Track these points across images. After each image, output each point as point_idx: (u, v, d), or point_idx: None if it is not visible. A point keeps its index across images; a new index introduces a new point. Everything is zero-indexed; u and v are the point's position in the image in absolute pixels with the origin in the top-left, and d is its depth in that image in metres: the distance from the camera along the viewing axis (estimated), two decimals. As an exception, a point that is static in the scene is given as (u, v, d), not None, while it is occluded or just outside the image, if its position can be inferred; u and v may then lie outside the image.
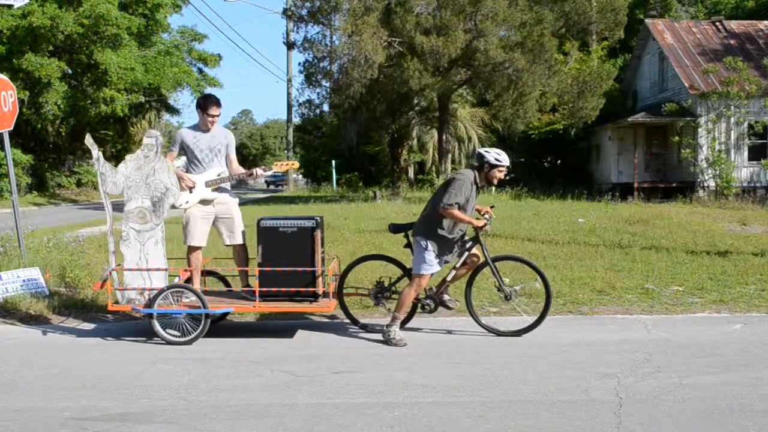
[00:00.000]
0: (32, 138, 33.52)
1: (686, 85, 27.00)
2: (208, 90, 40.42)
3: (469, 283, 6.75)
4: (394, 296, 6.81)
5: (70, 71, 31.46)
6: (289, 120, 46.98)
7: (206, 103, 6.87)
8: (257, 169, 7.08)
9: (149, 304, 6.44)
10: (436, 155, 31.05)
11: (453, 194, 6.38)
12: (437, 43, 22.53)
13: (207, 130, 6.93)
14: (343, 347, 6.25)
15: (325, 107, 30.84)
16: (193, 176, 6.82)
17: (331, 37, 27.39)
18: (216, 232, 7.05)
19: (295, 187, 48.72)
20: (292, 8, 28.37)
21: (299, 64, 41.31)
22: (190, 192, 6.78)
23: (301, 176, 55.90)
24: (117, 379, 5.30)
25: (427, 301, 6.65)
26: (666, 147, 28.92)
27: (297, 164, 7.49)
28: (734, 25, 31.16)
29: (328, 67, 26.77)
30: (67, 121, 33.12)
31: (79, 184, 36.50)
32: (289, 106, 43.61)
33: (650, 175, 29.04)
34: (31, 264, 8.39)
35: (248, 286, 6.91)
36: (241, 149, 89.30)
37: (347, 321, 7.01)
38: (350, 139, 34.49)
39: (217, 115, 6.93)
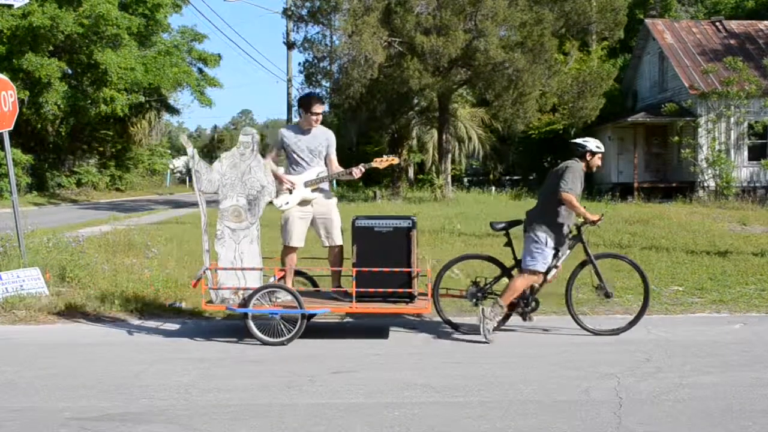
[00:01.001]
0: (32, 138, 33.48)
1: (686, 85, 27.00)
2: (209, 90, 40.47)
3: (570, 282, 6.71)
4: (490, 296, 6.75)
5: (70, 71, 31.44)
6: (289, 120, 46.87)
7: (310, 101, 6.79)
8: (356, 168, 6.93)
9: (244, 303, 6.35)
10: (436, 155, 31.01)
11: (571, 180, 6.46)
12: (437, 43, 22.51)
13: (308, 130, 6.82)
14: (343, 347, 6.25)
15: (326, 107, 30.83)
16: (292, 177, 6.72)
17: (331, 37, 27.38)
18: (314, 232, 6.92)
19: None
20: (292, 8, 28.34)
21: (299, 64, 41.31)
22: (290, 193, 6.70)
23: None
24: (117, 379, 5.30)
25: (531, 300, 6.62)
26: (666, 147, 28.92)
27: (396, 160, 7.31)
28: (734, 25, 31.15)
29: (328, 67, 26.75)
30: (67, 121, 33.10)
31: (79, 184, 36.47)
32: (289, 106, 43.55)
33: (650, 175, 29.03)
34: (31, 264, 8.39)
35: (339, 286, 6.82)
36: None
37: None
38: (350, 139, 34.48)
39: (321, 113, 6.85)
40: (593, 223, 6.53)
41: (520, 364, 5.63)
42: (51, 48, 29.23)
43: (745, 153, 26.85)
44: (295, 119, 50.21)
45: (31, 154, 31.03)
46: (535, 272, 6.45)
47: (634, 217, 16.54)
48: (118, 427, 4.34)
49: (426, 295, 6.56)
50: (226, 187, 6.47)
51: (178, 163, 71.53)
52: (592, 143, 6.75)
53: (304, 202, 6.76)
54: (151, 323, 7.27)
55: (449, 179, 27.43)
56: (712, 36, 30.15)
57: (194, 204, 33.29)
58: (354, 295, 6.33)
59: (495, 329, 6.46)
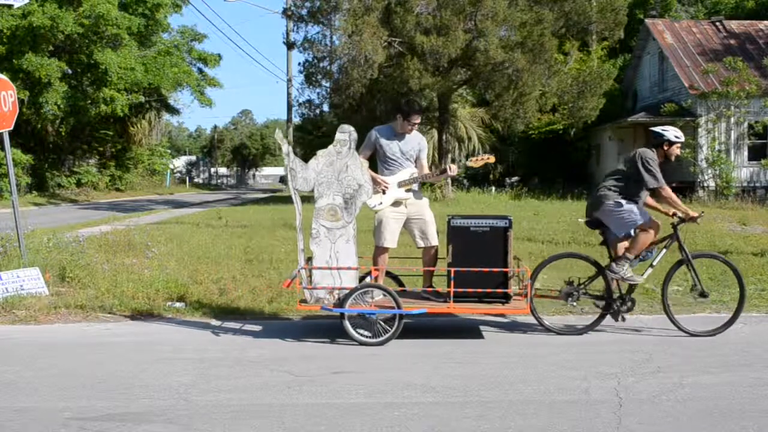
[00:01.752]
0: (32, 138, 33.50)
1: (686, 85, 27.00)
2: (209, 90, 40.48)
3: (667, 281, 6.71)
4: (585, 296, 6.75)
5: (70, 71, 31.44)
6: (289, 120, 46.89)
7: (410, 110, 6.78)
8: (450, 167, 6.89)
9: (340, 303, 6.30)
10: (436, 155, 31.02)
11: (657, 171, 6.49)
12: (437, 43, 22.52)
13: (402, 135, 6.83)
14: (343, 347, 6.24)
15: (325, 107, 30.81)
16: (385, 177, 6.70)
17: (331, 37, 27.37)
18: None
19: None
20: (292, 8, 28.35)
21: (299, 64, 41.35)
22: (383, 193, 6.68)
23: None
24: (117, 379, 5.30)
25: (627, 299, 6.65)
26: (666, 147, 28.89)
27: (493, 158, 7.23)
28: (734, 25, 31.16)
29: (328, 67, 26.75)
30: (67, 121, 33.11)
31: (79, 184, 36.48)
32: (289, 106, 43.56)
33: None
34: (31, 264, 8.39)
35: (431, 286, 6.80)
36: (241, 149, 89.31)
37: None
38: (350, 139, 34.43)
39: (418, 123, 6.86)
40: (693, 219, 6.55)
41: (520, 364, 5.63)
42: (51, 48, 29.24)
43: (745, 153, 26.86)
44: (295, 119, 50.14)
45: (31, 154, 31.03)
46: (640, 227, 6.45)
47: (634, 217, 16.51)
48: (118, 427, 4.34)
49: (519, 295, 6.56)
50: (322, 186, 6.41)
51: (178, 163, 71.62)
52: (671, 132, 6.69)
53: (397, 203, 6.74)
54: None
55: (449, 179, 27.43)
56: (712, 36, 30.15)
57: (194, 204, 33.08)
58: (452, 295, 6.29)
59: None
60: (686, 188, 26.30)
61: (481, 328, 6.93)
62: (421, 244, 6.81)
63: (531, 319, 6.83)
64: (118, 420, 4.45)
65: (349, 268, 6.36)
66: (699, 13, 39.25)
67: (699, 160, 26.30)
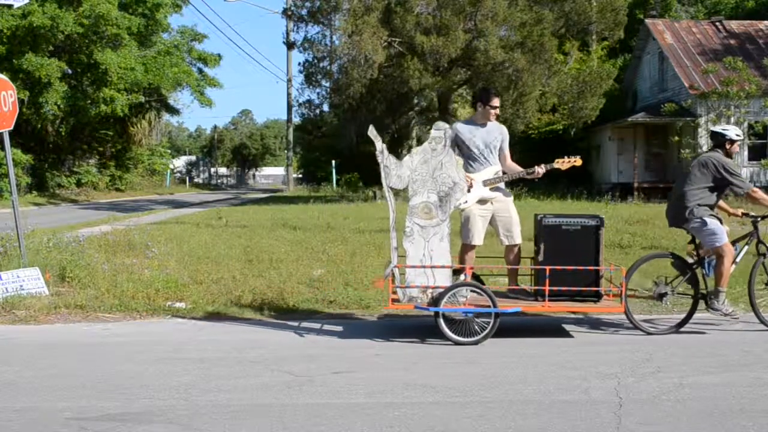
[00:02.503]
0: (32, 138, 33.49)
1: (686, 85, 27.01)
2: (209, 90, 40.47)
3: (752, 278, 6.79)
4: (676, 295, 6.81)
5: (70, 71, 31.44)
6: (289, 120, 46.96)
7: (488, 95, 6.78)
8: (539, 166, 6.90)
9: (434, 302, 6.27)
10: (436, 155, 31.02)
11: (741, 175, 6.66)
12: (437, 43, 22.52)
13: (483, 125, 6.81)
14: (343, 347, 6.24)
15: (325, 107, 30.86)
16: (471, 175, 6.67)
17: (331, 37, 27.40)
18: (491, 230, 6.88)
19: (294, 186, 48.74)
20: (292, 8, 28.37)
21: (299, 64, 41.32)
22: (468, 191, 6.64)
23: (300, 176, 55.92)
24: (117, 379, 5.29)
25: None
26: (666, 147, 28.92)
27: (580, 161, 7.22)
28: (734, 25, 31.16)
29: (328, 67, 26.77)
30: (67, 121, 33.11)
31: (79, 184, 36.48)
32: (289, 106, 43.60)
33: (650, 175, 29.04)
34: (31, 264, 8.39)
35: (517, 284, 6.81)
36: (241, 149, 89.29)
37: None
38: (350, 139, 34.49)
39: (499, 107, 6.85)
40: None
41: (520, 364, 5.63)
42: (51, 48, 29.24)
43: (745, 153, 26.86)
44: (295, 119, 50.13)
45: (31, 154, 31.03)
46: (722, 246, 6.55)
47: (634, 217, 16.55)
48: (118, 427, 4.34)
49: (607, 295, 6.57)
50: (417, 183, 6.37)
51: (178, 163, 71.62)
52: (731, 131, 6.76)
53: (482, 201, 6.73)
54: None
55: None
56: (712, 36, 30.16)
57: (194, 204, 32.99)
58: (547, 293, 6.28)
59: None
60: (686, 188, 26.31)
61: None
62: (506, 242, 6.80)
63: (522, 320, 6.82)
64: (118, 420, 4.44)
65: (443, 267, 6.33)
66: (699, 13, 39.25)
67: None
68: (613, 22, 24.75)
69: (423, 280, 6.33)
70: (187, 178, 68.86)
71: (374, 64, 22.96)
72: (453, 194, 6.35)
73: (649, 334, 6.57)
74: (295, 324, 7.11)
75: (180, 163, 74.41)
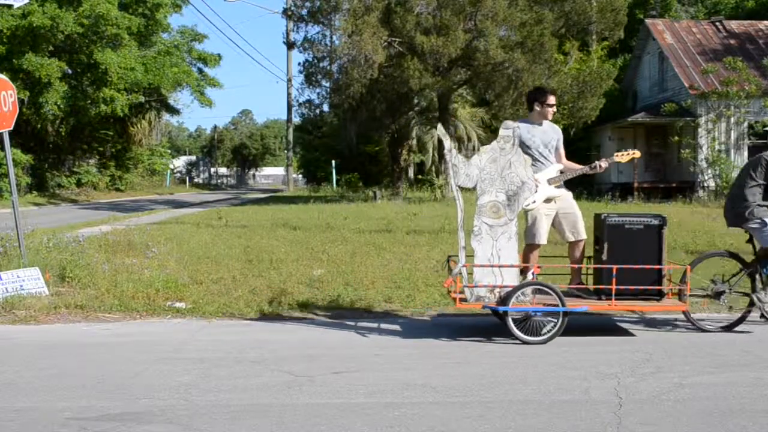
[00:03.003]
0: (32, 138, 33.49)
1: (686, 85, 27.00)
2: (209, 90, 40.47)
3: None
4: (734, 293, 6.84)
5: (70, 71, 31.44)
6: (289, 120, 47.00)
7: (544, 94, 6.86)
8: (600, 161, 6.92)
9: (502, 301, 6.28)
10: (436, 155, 31.03)
11: None
12: (437, 43, 22.52)
13: (540, 124, 6.86)
14: (344, 347, 6.24)
15: (325, 107, 30.84)
16: (536, 175, 6.68)
17: (331, 37, 27.38)
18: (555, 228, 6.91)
19: (294, 186, 48.75)
20: (292, 8, 28.35)
21: (299, 64, 41.28)
22: (534, 191, 6.65)
23: (300, 176, 55.94)
24: (117, 379, 5.29)
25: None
26: (666, 147, 28.92)
27: (638, 153, 7.26)
28: (734, 25, 31.16)
29: (328, 67, 26.75)
30: (67, 121, 33.12)
31: (79, 184, 36.48)
32: (289, 106, 43.61)
33: (650, 175, 29.04)
34: (31, 264, 8.39)
35: (580, 283, 6.83)
36: (241, 149, 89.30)
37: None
38: (350, 139, 34.51)
39: (555, 104, 6.91)
40: None
41: (520, 364, 5.63)
42: (51, 48, 29.23)
43: (745, 153, 26.84)
44: (295, 119, 49.90)
45: (31, 154, 31.03)
46: None
47: (634, 217, 16.51)
48: (118, 427, 4.34)
49: (668, 293, 6.64)
50: (485, 182, 6.36)
51: (178, 163, 71.62)
52: None
53: (548, 200, 6.75)
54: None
55: (449, 179, 27.41)
56: (712, 36, 30.15)
57: (194, 204, 32.99)
58: (613, 292, 6.30)
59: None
60: (686, 188, 26.33)
61: (483, 326, 6.93)
62: (572, 238, 6.82)
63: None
64: (118, 420, 4.44)
65: (511, 266, 6.34)
66: (699, 13, 39.24)
67: (699, 160, 26.31)
68: (613, 22, 24.75)
69: (491, 280, 6.35)
70: (187, 178, 68.89)
71: (374, 64, 22.95)
72: (521, 193, 6.38)
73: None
74: (292, 325, 7.11)
75: (180, 163, 74.43)
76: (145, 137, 43.31)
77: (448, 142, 6.46)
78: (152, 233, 13.30)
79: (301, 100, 30.73)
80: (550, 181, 6.77)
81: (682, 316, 6.98)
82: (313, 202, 25.93)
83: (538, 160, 6.81)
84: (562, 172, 6.88)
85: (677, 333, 6.62)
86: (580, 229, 6.81)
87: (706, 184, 26.25)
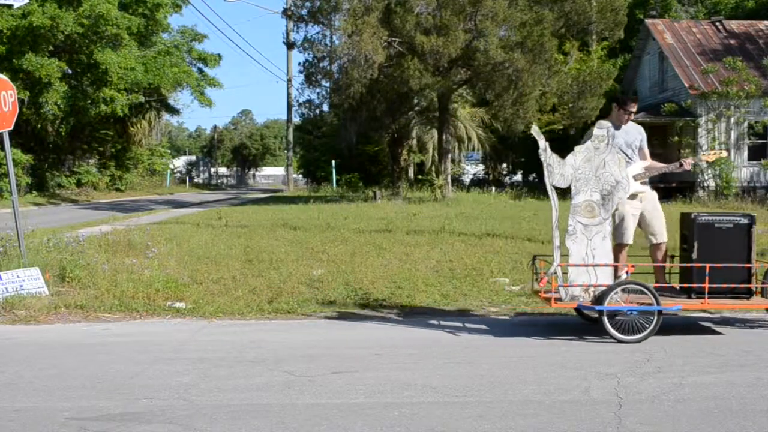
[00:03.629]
0: (32, 138, 33.47)
1: (686, 85, 27.00)
2: (209, 90, 40.47)
3: None
4: None
5: (70, 71, 31.42)
6: (289, 120, 46.98)
7: (626, 101, 6.92)
8: (687, 160, 6.98)
9: (597, 301, 6.29)
10: (436, 155, 31.00)
11: None
12: (437, 43, 22.51)
13: (619, 126, 6.90)
14: (343, 347, 6.24)
15: (325, 107, 30.81)
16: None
17: (331, 37, 27.35)
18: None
19: (294, 186, 48.73)
20: (292, 8, 28.33)
21: (299, 64, 41.22)
22: (628, 191, 6.67)
23: (300, 176, 55.94)
24: (117, 379, 5.29)
25: None
26: (666, 147, 28.89)
27: (725, 153, 7.41)
28: (734, 25, 31.15)
29: (328, 67, 26.73)
30: (67, 121, 33.10)
31: (79, 184, 36.46)
32: (289, 106, 43.60)
33: (650, 175, 29.01)
34: (31, 264, 8.39)
35: (665, 282, 6.88)
36: (241, 149, 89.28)
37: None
38: (350, 139, 34.46)
39: (635, 112, 6.99)
40: None
41: (520, 364, 5.63)
42: (51, 48, 29.22)
43: (745, 153, 26.85)
44: (295, 119, 50.01)
45: (31, 154, 31.02)
46: None
47: (634, 217, 16.51)
48: (118, 427, 4.34)
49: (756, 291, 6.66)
50: (580, 182, 6.42)
51: (178, 163, 71.62)
52: None
53: (633, 196, 6.78)
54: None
55: (449, 179, 27.41)
56: (712, 36, 30.14)
57: (194, 204, 33.03)
58: (707, 291, 6.33)
59: None
60: (686, 188, 26.32)
61: (482, 326, 6.93)
62: (654, 240, 6.90)
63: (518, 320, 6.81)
64: (118, 420, 4.45)
65: (606, 265, 6.37)
66: (699, 13, 39.22)
67: (699, 161, 26.27)
68: (613, 22, 24.73)
69: (585, 279, 6.38)
70: (187, 178, 68.82)
71: (374, 64, 22.94)
72: (615, 193, 6.42)
73: None
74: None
75: (180, 163, 74.39)
76: (145, 137, 43.29)
77: (542, 142, 6.48)
78: (152, 233, 13.30)
79: (301, 100, 30.71)
80: (635, 177, 6.80)
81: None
82: (313, 202, 25.92)
83: None
84: (646, 169, 6.93)
85: (677, 333, 6.62)
86: (664, 232, 6.90)
87: (706, 184, 26.24)
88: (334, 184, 39.33)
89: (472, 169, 41.58)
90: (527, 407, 4.60)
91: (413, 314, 7.57)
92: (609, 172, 6.41)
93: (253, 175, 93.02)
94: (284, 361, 5.77)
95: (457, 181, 34.18)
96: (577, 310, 6.77)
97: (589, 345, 6.25)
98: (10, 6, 20.23)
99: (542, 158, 6.45)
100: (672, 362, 5.64)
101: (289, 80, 43.96)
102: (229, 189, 68.42)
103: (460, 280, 9.03)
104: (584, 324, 6.80)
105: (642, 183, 6.87)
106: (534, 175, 35.73)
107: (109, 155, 40.99)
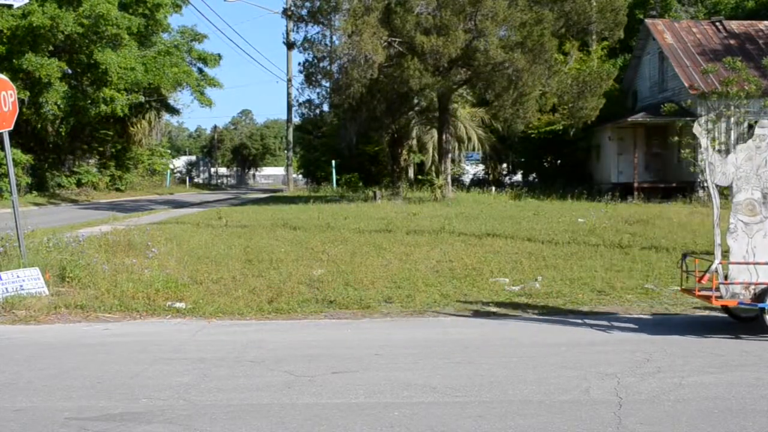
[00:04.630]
0: (32, 138, 33.48)
1: (686, 85, 27.00)
2: (209, 90, 40.47)
3: None
4: None
5: (70, 71, 31.43)
6: (289, 120, 46.99)
7: None
8: None
9: (758, 298, 6.30)
10: (436, 155, 31.00)
11: None
12: (437, 43, 22.50)
13: None
14: (343, 347, 6.24)
15: (325, 107, 30.79)
16: None
17: (331, 37, 27.36)
18: None
19: (294, 186, 48.74)
20: (292, 8, 28.33)
21: (299, 64, 41.24)
22: None
23: (300, 176, 55.94)
24: (117, 379, 5.30)
25: None
26: (666, 147, 28.90)
27: None
28: (734, 25, 31.15)
29: (328, 67, 26.73)
30: (67, 121, 33.10)
31: (79, 184, 36.45)
32: (289, 106, 43.60)
33: (650, 175, 29.02)
34: (31, 264, 8.39)
35: None
36: (241, 149, 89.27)
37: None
38: (350, 139, 34.48)
39: None
40: None
41: (520, 364, 5.63)
42: (51, 48, 29.23)
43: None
44: (295, 119, 50.04)
45: (31, 154, 31.03)
46: None
47: (634, 217, 16.55)
48: (118, 427, 4.34)
49: None
50: (741, 180, 6.43)
51: (178, 163, 71.63)
52: None
53: None
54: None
55: (449, 179, 27.41)
56: (712, 36, 30.15)
57: (194, 204, 32.97)
58: None
59: None
60: (686, 188, 26.32)
61: (483, 325, 6.92)
62: None
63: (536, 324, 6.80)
64: (118, 420, 4.45)
65: (767, 263, 6.36)
66: (699, 13, 39.23)
67: (699, 160, 26.26)
68: (613, 22, 24.73)
69: (746, 277, 6.41)
70: (187, 178, 68.80)
71: (374, 64, 22.94)
72: None
73: None
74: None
75: (180, 163, 74.37)
76: (145, 137, 43.28)
77: (704, 141, 6.52)
78: (152, 233, 13.30)
79: (301, 100, 30.70)
80: None
81: None
82: (313, 202, 25.92)
83: None
84: None
85: (677, 333, 6.61)
86: None
87: (705, 185, 26.22)
88: (334, 184, 39.32)
89: (472, 169, 41.53)
90: (527, 407, 4.60)
91: (415, 314, 7.57)
92: None
93: (253, 175, 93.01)
94: (284, 361, 5.77)
95: (457, 181, 34.16)
96: (725, 308, 6.75)
97: (589, 345, 6.24)
98: (10, 6, 20.25)
99: (703, 156, 6.51)
100: (672, 362, 5.64)
101: (289, 80, 43.97)
102: (229, 189, 68.41)
103: (460, 280, 9.03)
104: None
105: None
106: (534, 175, 35.72)
107: (109, 155, 40.99)
